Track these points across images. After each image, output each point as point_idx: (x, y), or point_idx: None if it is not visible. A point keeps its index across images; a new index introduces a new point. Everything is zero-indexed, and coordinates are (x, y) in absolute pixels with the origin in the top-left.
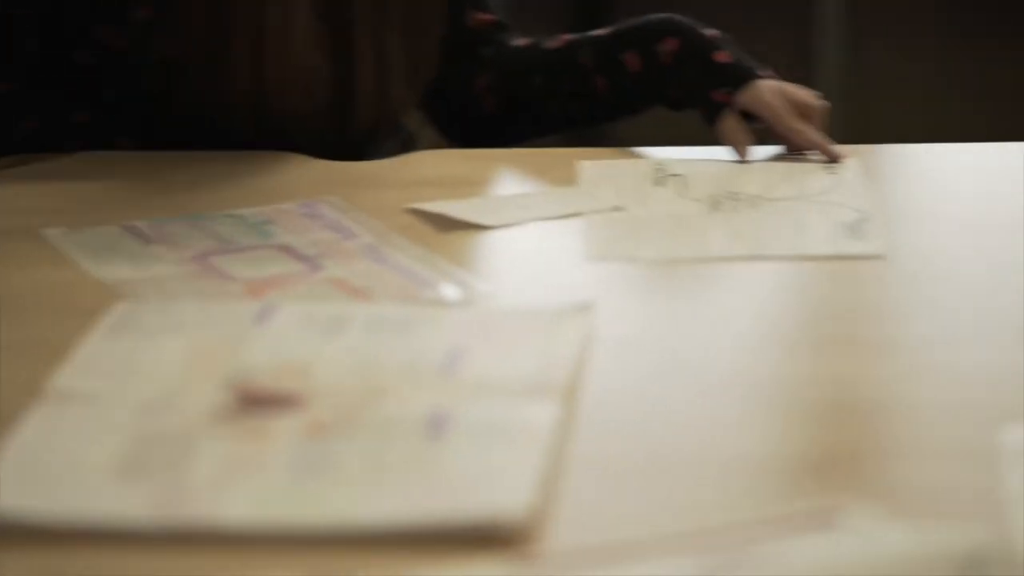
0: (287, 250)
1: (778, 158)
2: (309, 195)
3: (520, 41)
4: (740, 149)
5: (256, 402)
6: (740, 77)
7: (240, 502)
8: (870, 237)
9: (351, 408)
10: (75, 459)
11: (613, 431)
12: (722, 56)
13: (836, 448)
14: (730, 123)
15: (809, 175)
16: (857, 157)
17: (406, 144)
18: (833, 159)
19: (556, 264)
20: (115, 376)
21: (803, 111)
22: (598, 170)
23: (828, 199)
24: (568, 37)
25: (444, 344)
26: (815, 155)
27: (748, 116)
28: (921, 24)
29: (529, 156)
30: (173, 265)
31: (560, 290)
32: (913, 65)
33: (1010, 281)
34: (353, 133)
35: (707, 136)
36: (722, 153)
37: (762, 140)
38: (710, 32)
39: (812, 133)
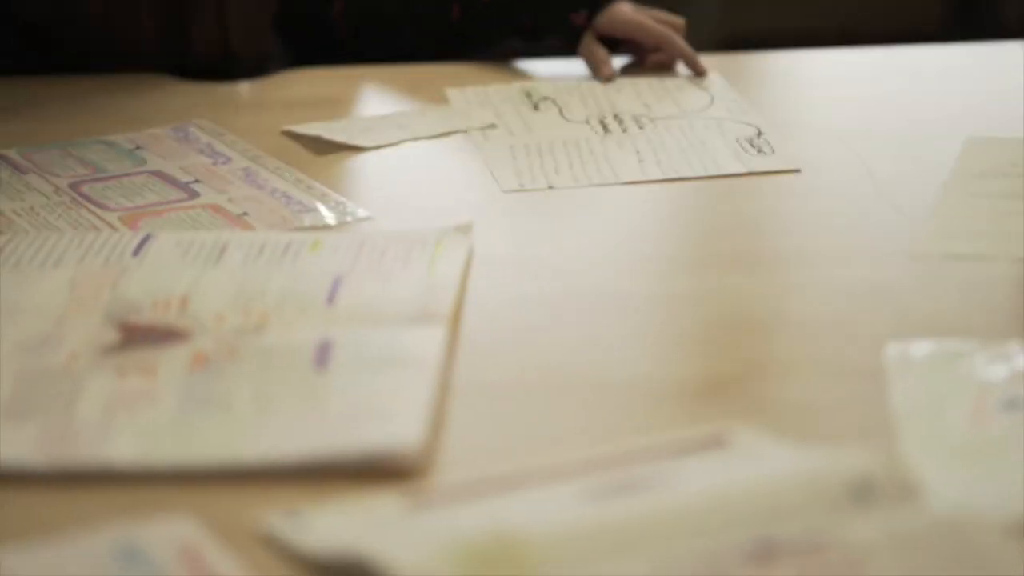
0: (161, 176)
1: (638, 75)
2: (180, 118)
3: None
4: (604, 68)
5: (139, 336)
6: (598, 2)
7: (128, 440)
8: (775, 151)
9: (235, 339)
10: None
11: (500, 356)
12: None
13: (726, 368)
14: (591, 43)
15: (680, 91)
16: (719, 70)
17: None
18: (700, 72)
19: (435, 185)
20: None
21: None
22: (469, 97)
23: (713, 115)
24: None
25: (325, 271)
26: (676, 70)
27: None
28: None
29: (401, 74)
30: (47, 195)
31: (440, 212)
32: None
33: (893, 193)
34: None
35: None
36: (579, 70)
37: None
38: None
39: (681, 42)
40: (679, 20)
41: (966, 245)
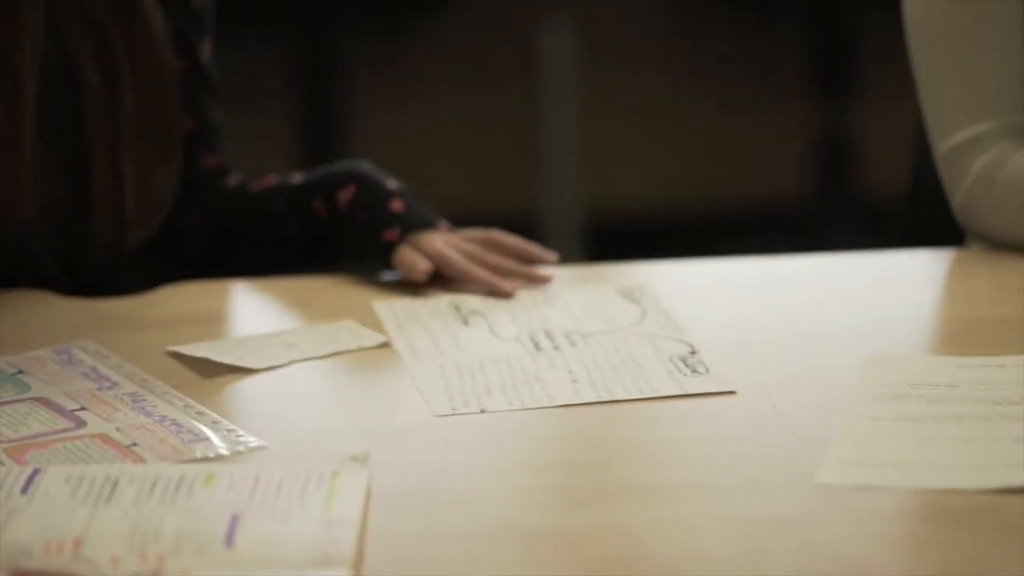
0: (46, 403)
1: (568, 287)
2: (61, 338)
3: (232, 180)
4: (417, 271)
5: None
6: (411, 224)
7: None
8: (710, 371)
9: None
10: None
11: None
12: (396, 204)
13: None
14: (404, 252)
15: (610, 304)
16: (641, 283)
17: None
18: (504, 295)
19: (327, 408)
20: None
21: (490, 246)
22: (398, 311)
23: (644, 331)
24: (270, 181)
25: (221, 508)
26: (605, 282)
27: None
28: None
29: (291, 287)
30: None
31: (335, 438)
32: (643, 131)
33: (795, 419)
34: (93, 261)
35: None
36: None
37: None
38: (390, 182)
39: (483, 274)
40: (502, 236)
41: (870, 475)
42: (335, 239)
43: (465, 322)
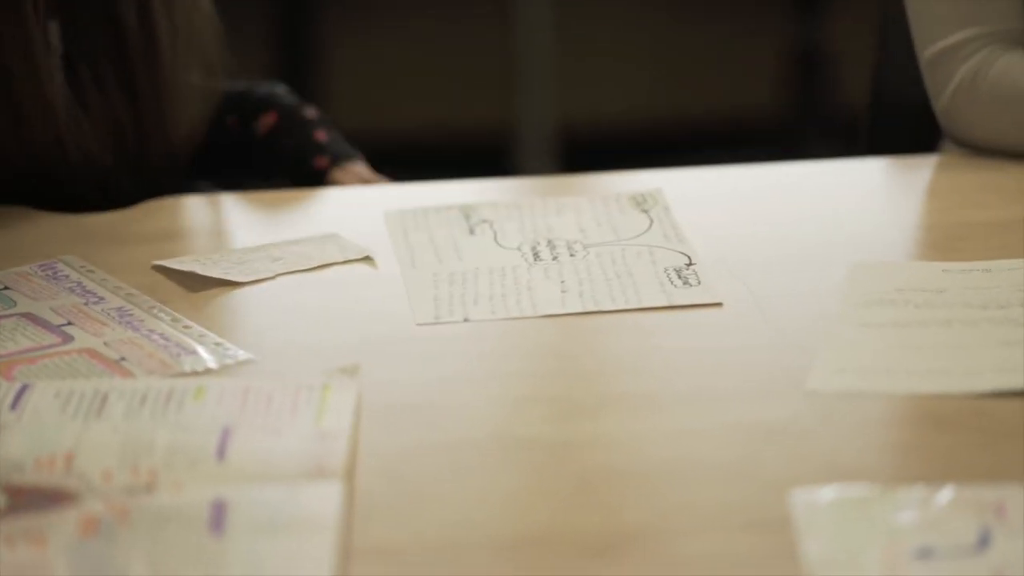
0: (32, 319)
1: (586, 197)
2: (45, 254)
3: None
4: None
5: (25, 499)
6: (339, 154)
7: None
8: (701, 283)
9: (125, 500)
10: None
11: (399, 515)
12: (321, 135)
13: (616, 521)
14: (337, 174)
15: (622, 214)
16: (657, 194)
17: None
18: None
19: (314, 321)
20: None
21: None
22: (407, 220)
23: (647, 242)
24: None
25: (212, 421)
26: (623, 194)
27: None
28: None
29: (280, 199)
30: None
31: (322, 351)
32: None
33: (785, 328)
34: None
35: None
36: (526, 190)
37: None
38: (310, 111)
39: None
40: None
41: (859, 381)
42: (242, 157)
43: (471, 231)
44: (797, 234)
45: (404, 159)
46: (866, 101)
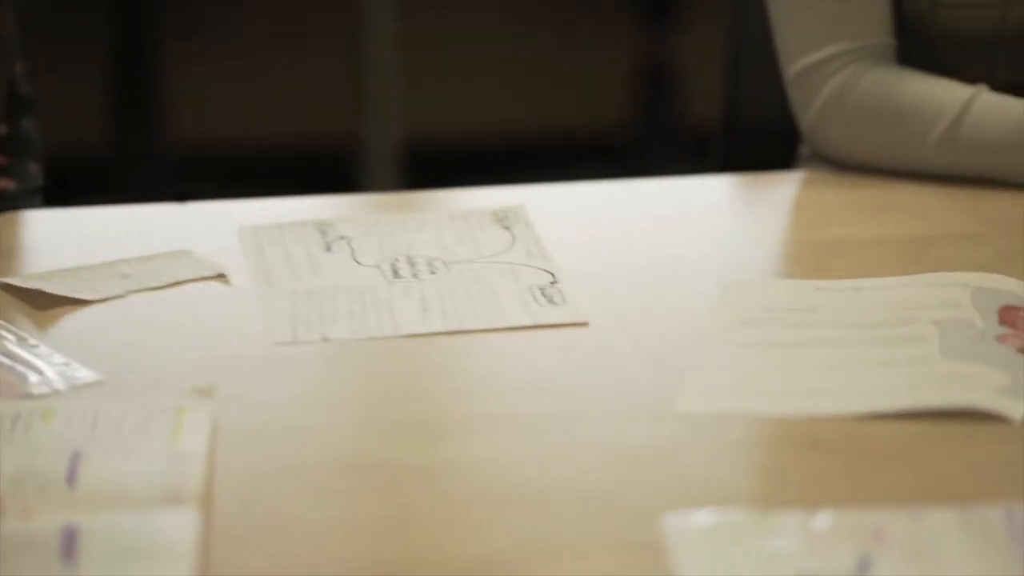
0: None
1: (446, 213)
2: None
3: None
4: None
5: None
6: None
7: None
8: (567, 301)
9: None
10: None
11: (256, 542)
12: None
13: (482, 548)
14: None
15: (483, 231)
16: (519, 210)
17: None
18: None
19: (166, 340)
20: None
21: None
22: (262, 235)
23: (510, 259)
24: None
25: (62, 445)
26: (484, 210)
27: None
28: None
29: (129, 215)
30: None
31: (176, 371)
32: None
33: (653, 348)
34: None
35: None
36: (383, 206)
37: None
38: None
39: None
40: None
41: (732, 402)
42: None
43: (328, 247)
44: (662, 252)
45: (252, 175)
46: (717, 116)
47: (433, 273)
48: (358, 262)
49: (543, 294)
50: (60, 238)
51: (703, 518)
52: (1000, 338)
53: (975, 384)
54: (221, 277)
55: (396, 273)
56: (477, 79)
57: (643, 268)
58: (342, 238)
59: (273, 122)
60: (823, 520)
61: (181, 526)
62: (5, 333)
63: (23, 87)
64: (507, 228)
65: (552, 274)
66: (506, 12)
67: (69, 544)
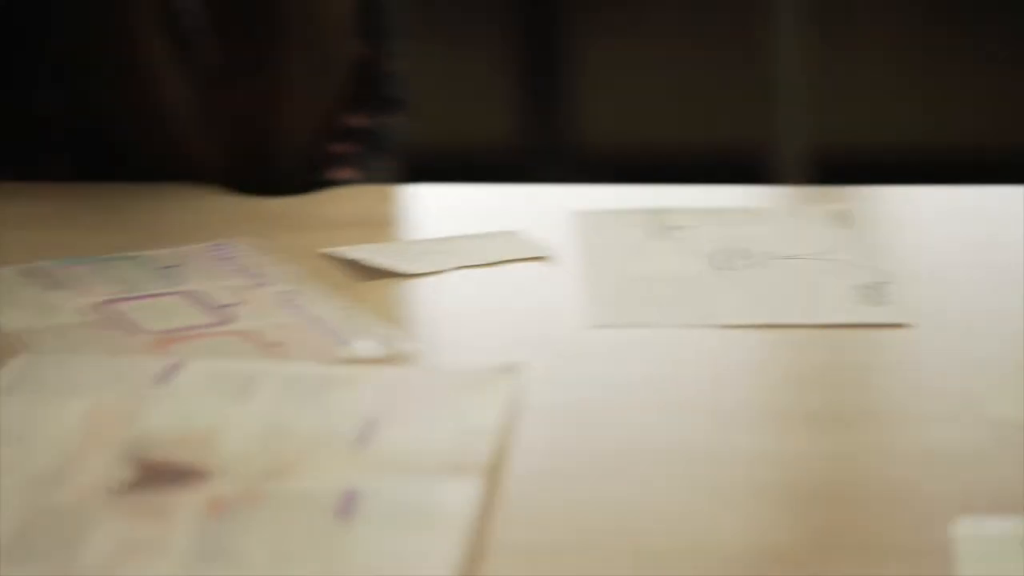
0: (195, 297)
1: (786, 209)
2: (216, 234)
3: None
4: None
5: (156, 474)
6: None
7: None
8: (892, 301)
9: (256, 482)
10: None
11: (542, 516)
12: None
13: (784, 540)
14: None
15: (821, 228)
16: (850, 207)
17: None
18: None
19: (482, 317)
20: (9, 441)
21: None
22: (595, 222)
23: (839, 256)
24: None
25: (359, 411)
26: (821, 209)
27: None
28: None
29: (457, 194)
30: (75, 314)
31: (487, 348)
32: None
33: (999, 354)
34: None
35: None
36: (727, 199)
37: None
38: None
39: None
40: None
41: None
42: None
43: (661, 235)
44: (996, 259)
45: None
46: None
47: (760, 266)
48: (688, 251)
49: (874, 292)
50: (388, 212)
51: (994, 527)
52: None
53: None
54: (546, 259)
55: (724, 264)
56: (896, 90)
57: (976, 273)
58: (675, 227)
59: (676, 125)
60: None
61: (461, 499)
62: (324, 300)
63: (389, 87)
64: (845, 226)
65: (883, 274)
66: (915, 19)
67: (347, 505)
